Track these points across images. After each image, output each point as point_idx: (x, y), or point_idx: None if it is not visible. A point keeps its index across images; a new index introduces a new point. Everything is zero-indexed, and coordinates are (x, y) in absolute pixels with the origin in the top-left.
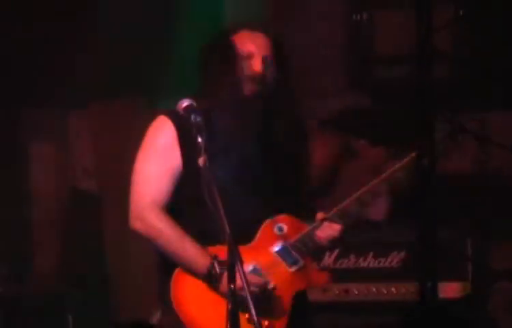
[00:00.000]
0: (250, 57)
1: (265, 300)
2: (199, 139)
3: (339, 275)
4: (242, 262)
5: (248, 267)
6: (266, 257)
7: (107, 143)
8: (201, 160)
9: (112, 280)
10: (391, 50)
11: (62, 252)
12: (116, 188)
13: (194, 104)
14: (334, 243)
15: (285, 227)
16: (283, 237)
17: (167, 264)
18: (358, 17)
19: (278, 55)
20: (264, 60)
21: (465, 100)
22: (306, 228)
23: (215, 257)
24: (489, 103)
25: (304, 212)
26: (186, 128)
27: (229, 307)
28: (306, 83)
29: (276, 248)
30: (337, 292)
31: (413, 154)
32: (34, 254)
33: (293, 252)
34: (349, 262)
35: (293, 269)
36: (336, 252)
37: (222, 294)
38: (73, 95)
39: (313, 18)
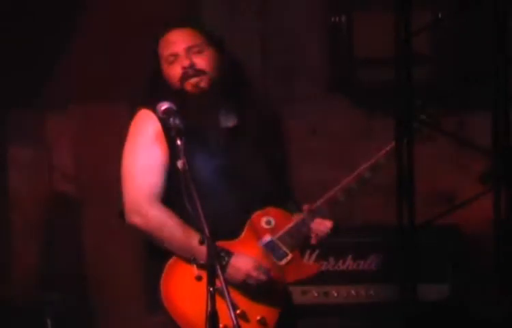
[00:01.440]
0: (174, 57)
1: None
2: (178, 142)
3: (318, 278)
4: (221, 264)
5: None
6: (255, 251)
7: (87, 146)
8: (179, 163)
9: (92, 283)
10: (370, 53)
11: (41, 256)
12: (96, 192)
13: (174, 107)
14: (324, 238)
15: (273, 220)
16: (271, 230)
17: (158, 260)
18: (337, 19)
19: (211, 44)
20: (187, 52)
21: (444, 102)
22: (294, 220)
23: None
24: (468, 105)
25: (291, 204)
26: (167, 125)
27: (209, 308)
28: (285, 86)
29: (264, 242)
30: (316, 294)
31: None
32: (12, 258)
33: (282, 245)
34: (329, 264)
35: (282, 262)
36: (315, 254)
37: (226, 281)
38: (52, 97)
39: (291, 21)
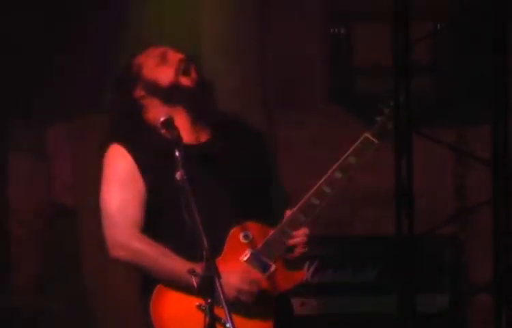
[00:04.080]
0: (164, 57)
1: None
2: (176, 153)
3: (317, 289)
4: (219, 276)
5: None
6: (238, 267)
7: (86, 157)
8: (178, 175)
9: (90, 292)
10: (369, 64)
11: (40, 265)
12: (94, 203)
13: (172, 118)
14: (303, 246)
15: (251, 234)
16: (251, 244)
17: (149, 285)
18: (336, 30)
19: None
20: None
21: (443, 112)
22: (272, 231)
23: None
24: (467, 117)
25: (270, 217)
26: (139, 148)
27: (207, 321)
28: (285, 96)
29: (245, 257)
30: (315, 305)
31: (365, 135)
32: (12, 267)
33: (263, 258)
34: (327, 275)
35: (267, 274)
36: (314, 266)
37: (216, 301)
38: (52, 108)
39: (291, 31)
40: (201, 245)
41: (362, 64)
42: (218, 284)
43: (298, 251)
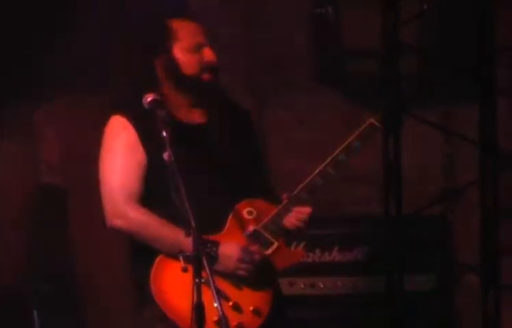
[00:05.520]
0: (200, 46)
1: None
2: (164, 134)
3: (305, 269)
4: (208, 255)
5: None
6: (240, 242)
7: (74, 138)
8: (166, 155)
9: (80, 274)
10: (357, 44)
11: (28, 247)
12: (83, 184)
13: (159, 98)
14: (306, 224)
15: (254, 211)
16: (254, 220)
17: (145, 255)
18: (324, 10)
19: None
20: (209, 45)
21: (431, 93)
22: (276, 209)
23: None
24: (456, 97)
25: (271, 195)
26: (142, 122)
27: (194, 300)
28: (273, 77)
29: (248, 232)
30: (303, 286)
31: (370, 121)
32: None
33: (266, 234)
34: (315, 255)
35: (269, 251)
36: (301, 245)
37: (216, 273)
38: (39, 89)
39: (278, 11)
40: (189, 224)
41: (351, 45)
42: (205, 264)
43: (298, 227)
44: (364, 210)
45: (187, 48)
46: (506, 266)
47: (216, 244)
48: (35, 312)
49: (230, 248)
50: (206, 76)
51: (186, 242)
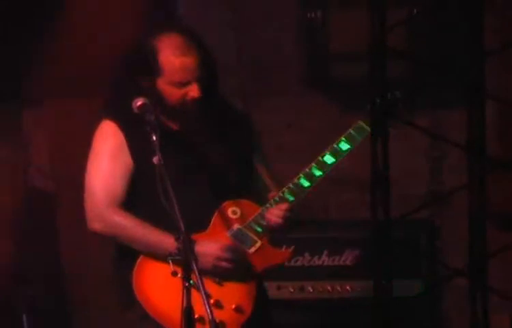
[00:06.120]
0: (184, 84)
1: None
2: (153, 138)
3: (294, 273)
4: (196, 260)
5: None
6: (223, 241)
7: (63, 142)
8: (155, 159)
9: (69, 278)
10: (345, 49)
11: (17, 251)
12: (72, 188)
13: (148, 102)
14: (285, 222)
15: (239, 211)
16: (238, 220)
17: (126, 258)
18: (312, 15)
19: (204, 55)
20: (197, 82)
21: (419, 98)
22: (260, 209)
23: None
24: (444, 101)
25: (257, 195)
26: (131, 127)
27: (184, 304)
28: (261, 81)
29: (232, 231)
30: (292, 289)
31: (359, 122)
32: None
33: (249, 233)
34: (304, 259)
35: (252, 250)
36: (290, 250)
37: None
38: (28, 93)
39: (266, 15)
40: (178, 228)
41: (338, 49)
42: (195, 268)
43: (273, 220)
44: (352, 214)
45: (171, 83)
46: (494, 270)
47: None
48: (24, 316)
49: (207, 246)
50: (189, 107)
51: (168, 244)
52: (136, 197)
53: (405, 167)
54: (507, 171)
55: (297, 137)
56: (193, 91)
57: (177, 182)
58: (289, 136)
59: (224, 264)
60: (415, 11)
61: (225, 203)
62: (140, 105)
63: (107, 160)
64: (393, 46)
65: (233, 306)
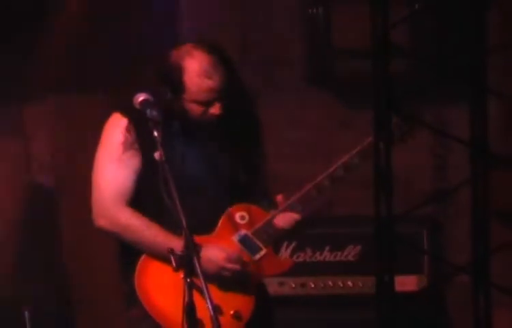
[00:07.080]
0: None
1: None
2: (155, 133)
3: (296, 269)
4: (198, 256)
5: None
6: (229, 245)
7: (65, 136)
8: (157, 154)
9: (70, 275)
10: (348, 45)
11: (18, 247)
12: (74, 182)
13: (150, 98)
14: (293, 231)
15: (247, 216)
16: (245, 226)
17: (130, 255)
18: (315, 11)
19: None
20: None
21: (422, 94)
22: (268, 216)
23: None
24: (447, 97)
25: (266, 201)
26: (142, 123)
27: (186, 299)
28: (264, 78)
29: (238, 236)
30: (294, 285)
31: (369, 139)
32: None
33: (255, 240)
34: (306, 255)
35: (256, 257)
36: (292, 245)
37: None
38: (30, 87)
39: (269, 12)
40: (180, 224)
41: (341, 45)
42: (196, 264)
43: (282, 226)
44: (354, 210)
45: (194, 101)
46: (497, 266)
47: (198, 246)
48: (26, 313)
49: (213, 253)
50: (208, 120)
51: (172, 244)
52: (143, 195)
53: (408, 163)
54: (510, 167)
55: (300, 134)
56: (215, 109)
57: (188, 181)
58: (291, 132)
59: (227, 273)
60: (416, 6)
61: (233, 207)
62: (142, 101)
63: (116, 156)
64: (396, 43)
65: (232, 312)
